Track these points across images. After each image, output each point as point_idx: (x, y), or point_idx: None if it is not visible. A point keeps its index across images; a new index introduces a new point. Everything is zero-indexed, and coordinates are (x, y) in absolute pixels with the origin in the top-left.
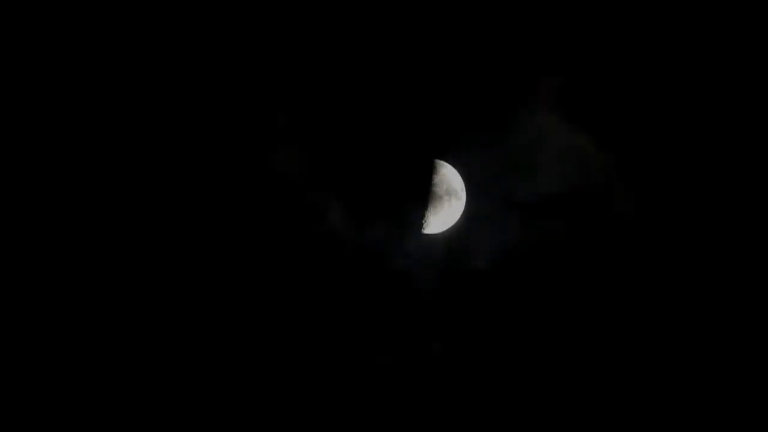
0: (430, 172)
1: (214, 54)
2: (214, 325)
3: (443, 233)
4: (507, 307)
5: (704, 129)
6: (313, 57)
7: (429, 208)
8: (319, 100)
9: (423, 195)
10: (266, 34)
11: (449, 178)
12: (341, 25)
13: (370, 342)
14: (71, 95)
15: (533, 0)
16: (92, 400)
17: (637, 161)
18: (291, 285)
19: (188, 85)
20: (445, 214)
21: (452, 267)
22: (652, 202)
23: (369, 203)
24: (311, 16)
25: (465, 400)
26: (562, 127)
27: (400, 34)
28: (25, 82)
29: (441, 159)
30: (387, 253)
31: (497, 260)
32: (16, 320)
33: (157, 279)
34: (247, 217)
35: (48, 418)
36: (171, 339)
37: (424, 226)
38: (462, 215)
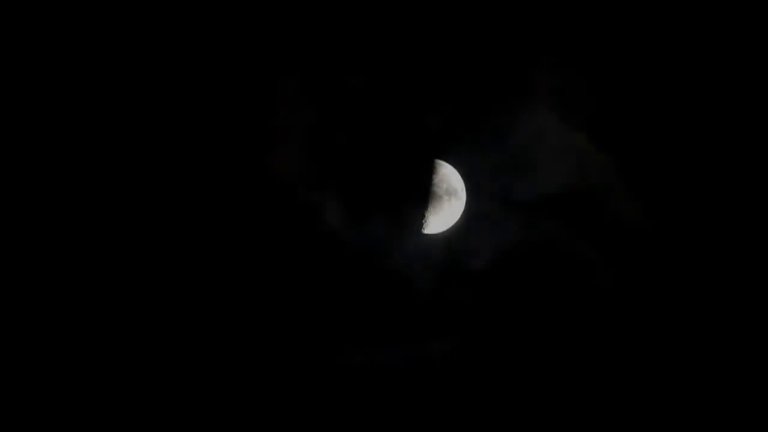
0: (430, 172)
1: (213, 54)
2: (213, 325)
3: (443, 233)
4: (507, 307)
5: (704, 129)
6: (312, 56)
7: (429, 208)
8: (318, 99)
9: (423, 195)
10: (266, 34)
11: (449, 178)
12: (341, 25)
13: (370, 342)
14: (70, 95)
15: (533, 0)
16: (92, 400)
17: (637, 161)
18: (290, 285)
19: (186, 85)
20: (445, 214)
21: (452, 267)
22: (652, 201)
23: (368, 203)
24: (310, 15)
25: (465, 400)
26: (562, 127)
27: (400, 34)
28: (25, 82)
29: (441, 159)
30: (387, 253)
31: (497, 260)
32: (16, 320)
33: (155, 278)
34: (246, 217)
35: (48, 418)
36: (169, 338)
37: (424, 226)
38: (462, 215)
